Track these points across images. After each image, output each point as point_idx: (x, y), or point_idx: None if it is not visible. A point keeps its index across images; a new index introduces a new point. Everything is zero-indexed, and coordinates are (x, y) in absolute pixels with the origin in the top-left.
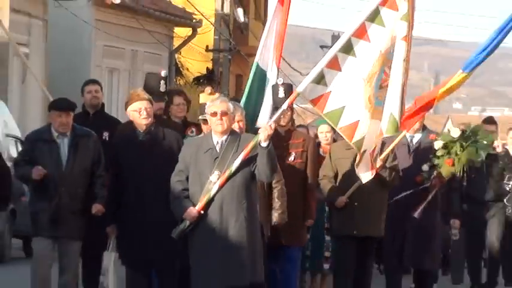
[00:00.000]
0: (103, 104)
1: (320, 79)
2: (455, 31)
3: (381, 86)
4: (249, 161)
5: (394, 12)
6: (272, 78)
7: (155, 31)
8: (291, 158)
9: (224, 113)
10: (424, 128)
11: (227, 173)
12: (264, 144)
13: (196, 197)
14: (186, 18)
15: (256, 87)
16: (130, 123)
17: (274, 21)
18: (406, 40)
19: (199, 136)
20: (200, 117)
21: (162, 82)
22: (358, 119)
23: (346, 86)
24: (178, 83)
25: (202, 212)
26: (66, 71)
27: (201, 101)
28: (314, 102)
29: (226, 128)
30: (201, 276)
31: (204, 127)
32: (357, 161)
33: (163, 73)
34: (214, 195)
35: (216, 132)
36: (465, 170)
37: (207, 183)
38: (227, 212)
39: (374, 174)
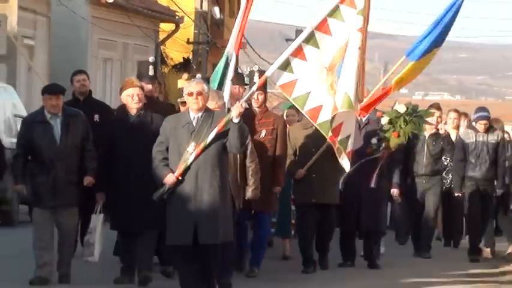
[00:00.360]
0: (90, 91)
1: (286, 66)
2: (402, 26)
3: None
4: (222, 134)
5: (352, 9)
6: (232, 63)
7: (143, 26)
8: (262, 135)
9: (199, 93)
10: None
11: (202, 145)
12: (236, 120)
13: (175, 165)
14: (170, 15)
15: (222, 71)
16: (123, 106)
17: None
18: (362, 31)
19: (179, 113)
20: (179, 99)
21: (151, 67)
22: (321, 103)
23: (311, 74)
24: (163, 70)
25: (180, 178)
26: (66, 61)
27: (179, 86)
28: (282, 87)
29: (201, 105)
30: (176, 233)
31: (182, 108)
32: (337, 154)
33: (151, 59)
34: (191, 163)
35: (192, 109)
36: (409, 141)
37: (185, 153)
38: (202, 179)
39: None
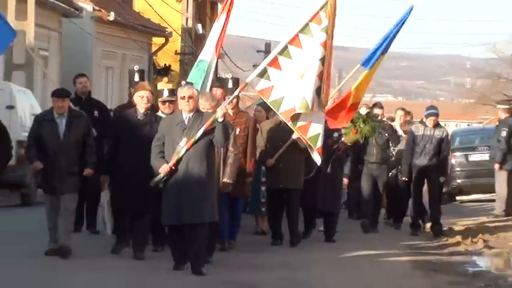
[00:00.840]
0: (90, 91)
1: (263, 74)
2: (353, 40)
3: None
4: (209, 131)
5: (319, 26)
6: (212, 69)
7: (138, 40)
8: (236, 132)
9: (190, 97)
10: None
11: (192, 140)
12: (220, 119)
13: (170, 157)
14: (160, 31)
15: (196, 73)
16: (129, 105)
17: (214, 29)
18: (324, 46)
19: (173, 113)
20: (159, 99)
21: (136, 74)
22: (293, 105)
23: (284, 82)
24: (155, 76)
25: (173, 167)
26: (75, 69)
27: (159, 87)
28: (261, 92)
29: (192, 107)
30: (169, 214)
31: (161, 107)
32: (309, 150)
33: (135, 67)
34: (183, 155)
35: (184, 110)
36: (364, 138)
37: (178, 147)
38: (191, 168)
39: (321, 154)
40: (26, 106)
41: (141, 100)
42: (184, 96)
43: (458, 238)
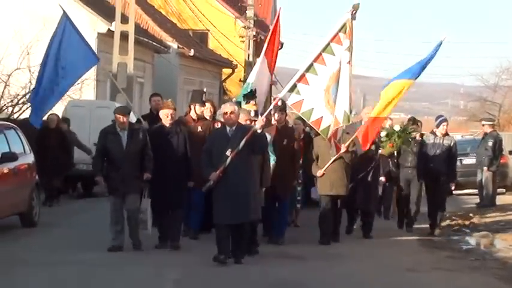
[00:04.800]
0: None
1: (293, 89)
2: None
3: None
4: (250, 141)
5: (339, 46)
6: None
7: (212, 70)
8: (284, 143)
9: (232, 113)
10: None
11: (236, 150)
12: (259, 130)
13: (217, 165)
14: (228, 63)
15: (242, 92)
16: (157, 117)
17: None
18: (349, 63)
19: (218, 127)
20: (217, 117)
21: (203, 95)
22: (322, 115)
23: (313, 95)
24: (224, 98)
25: (221, 174)
26: (164, 92)
27: (248, 108)
28: (293, 105)
29: (233, 121)
30: (219, 214)
31: (219, 123)
32: (331, 150)
33: (205, 89)
34: (228, 164)
35: (228, 124)
36: (399, 151)
37: (224, 157)
38: (236, 175)
39: (333, 159)
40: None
41: (166, 117)
42: (227, 112)
43: (455, 221)
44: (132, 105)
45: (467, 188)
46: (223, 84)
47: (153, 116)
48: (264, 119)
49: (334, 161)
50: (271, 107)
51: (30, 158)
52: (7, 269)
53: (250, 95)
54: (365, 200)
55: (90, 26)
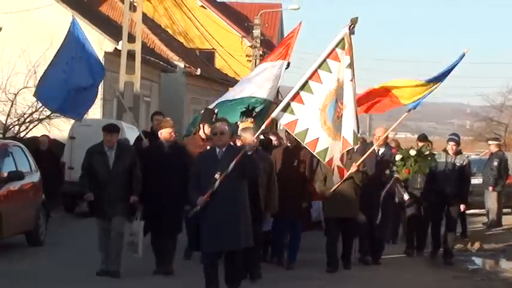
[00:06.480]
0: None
1: (287, 108)
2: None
3: (338, 116)
4: (239, 164)
5: (337, 62)
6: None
7: (218, 89)
8: (295, 164)
9: (222, 133)
10: (386, 144)
11: (225, 173)
12: (249, 153)
13: (205, 188)
14: (235, 83)
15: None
16: (157, 138)
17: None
18: (352, 81)
19: (208, 148)
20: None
21: (214, 115)
22: (318, 136)
23: (308, 115)
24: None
25: (208, 199)
26: (170, 111)
27: (244, 126)
28: (286, 125)
29: (223, 142)
30: (207, 242)
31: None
32: (334, 175)
33: (216, 110)
34: (217, 188)
35: (217, 145)
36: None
37: (212, 180)
38: (225, 200)
39: (343, 179)
40: (132, 139)
41: (169, 136)
42: (216, 132)
43: (460, 242)
44: (139, 124)
45: (473, 208)
46: None
47: (154, 136)
48: (255, 140)
49: (343, 181)
50: (263, 127)
51: (36, 177)
52: (15, 287)
53: (249, 111)
54: (380, 228)
55: (97, 45)
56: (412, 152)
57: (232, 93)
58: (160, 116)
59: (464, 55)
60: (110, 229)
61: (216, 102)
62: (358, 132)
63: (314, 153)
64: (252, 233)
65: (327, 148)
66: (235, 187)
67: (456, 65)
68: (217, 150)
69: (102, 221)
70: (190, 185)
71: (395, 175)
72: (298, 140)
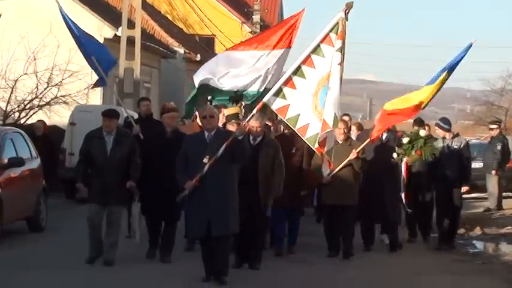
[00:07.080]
0: (152, 113)
1: (279, 93)
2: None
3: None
4: (229, 149)
5: (330, 47)
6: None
7: None
8: (293, 151)
9: (211, 116)
10: (388, 128)
11: (214, 157)
12: (240, 137)
13: (193, 173)
14: None
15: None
16: (161, 123)
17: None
18: (341, 65)
19: (196, 132)
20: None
21: (208, 103)
22: (308, 122)
23: (300, 100)
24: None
25: (197, 184)
26: (170, 96)
27: (233, 111)
28: (278, 110)
29: (212, 126)
30: (193, 228)
31: (230, 126)
32: (323, 165)
33: (209, 97)
34: (206, 172)
35: (206, 129)
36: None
37: (201, 164)
38: (214, 185)
39: (331, 169)
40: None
41: (172, 121)
42: (205, 115)
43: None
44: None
45: (474, 192)
46: None
47: (143, 121)
48: (247, 125)
49: (342, 168)
50: (254, 111)
51: (37, 163)
52: (15, 273)
53: (239, 96)
54: (384, 214)
55: (96, 31)
56: (422, 133)
57: (222, 70)
58: (147, 102)
59: (471, 45)
60: (101, 215)
61: (208, 77)
62: (338, 115)
63: (304, 139)
64: (237, 218)
65: (318, 133)
66: (224, 172)
67: (464, 56)
68: (206, 133)
69: (94, 206)
70: (177, 168)
71: (404, 158)
72: (289, 125)
